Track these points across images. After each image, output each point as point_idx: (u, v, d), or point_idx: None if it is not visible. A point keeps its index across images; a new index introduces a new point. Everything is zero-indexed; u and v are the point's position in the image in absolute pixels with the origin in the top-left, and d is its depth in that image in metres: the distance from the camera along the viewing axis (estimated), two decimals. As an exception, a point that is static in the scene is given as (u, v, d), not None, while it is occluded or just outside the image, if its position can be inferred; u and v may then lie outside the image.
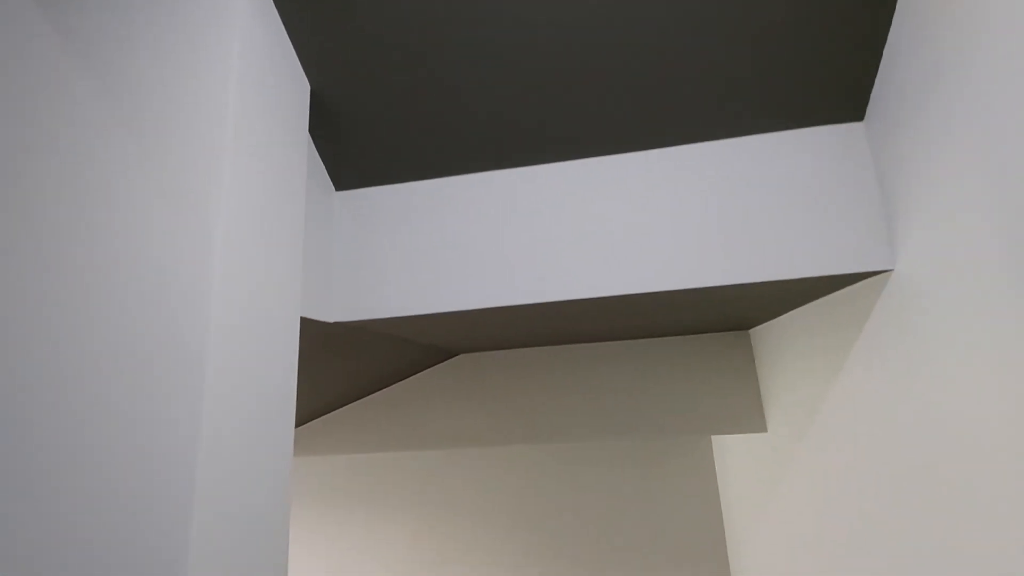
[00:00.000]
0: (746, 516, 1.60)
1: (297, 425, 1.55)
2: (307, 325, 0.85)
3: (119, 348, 0.55)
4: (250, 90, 0.65)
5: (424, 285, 0.86)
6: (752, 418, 1.36)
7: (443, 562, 1.99)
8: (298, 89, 0.77)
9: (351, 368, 1.37)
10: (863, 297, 0.83)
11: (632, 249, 0.79)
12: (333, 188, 0.95)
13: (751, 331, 1.42)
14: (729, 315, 1.22)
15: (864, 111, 0.76)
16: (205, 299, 0.54)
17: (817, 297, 0.97)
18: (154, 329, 0.55)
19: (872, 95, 0.74)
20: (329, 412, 1.57)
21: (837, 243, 0.74)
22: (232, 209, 0.59)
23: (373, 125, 0.87)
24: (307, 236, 0.83)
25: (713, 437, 1.89)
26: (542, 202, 0.84)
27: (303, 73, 0.79)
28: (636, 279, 0.78)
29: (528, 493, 1.99)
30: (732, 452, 1.69)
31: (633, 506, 1.91)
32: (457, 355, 1.55)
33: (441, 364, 1.55)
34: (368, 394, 1.55)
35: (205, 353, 0.53)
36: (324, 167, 0.94)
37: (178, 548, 0.48)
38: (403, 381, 1.55)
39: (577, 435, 1.46)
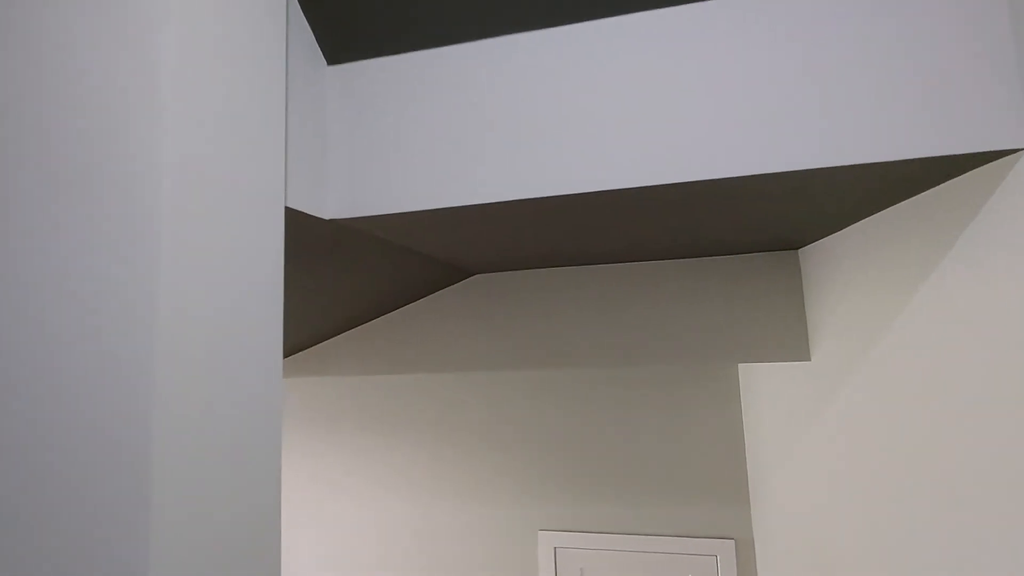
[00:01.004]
0: (772, 452, 1.53)
1: (301, 348, 1.49)
2: (300, 223, 0.73)
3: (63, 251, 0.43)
4: None
5: (436, 174, 0.72)
6: (795, 345, 1.24)
7: (455, 489, 2.00)
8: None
9: (359, 284, 1.27)
10: (966, 193, 0.67)
11: (689, 124, 0.64)
12: (324, 62, 0.79)
13: (800, 251, 1.27)
14: (780, 228, 1.07)
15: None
16: (154, 140, 0.42)
17: (906, 197, 0.82)
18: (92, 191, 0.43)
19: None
20: (338, 334, 1.50)
21: (956, 116, 0.57)
22: (186, 55, 0.45)
23: (369, -26, 0.70)
24: (295, 117, 0.69)
25: (740, 367, 1.79)
26: (581, 70, 0.68)
27: None
28: (692, 162, 0.64)
29: (542, 420, 1.95)
30: (762, 383, 1.60)
31: (653, 435, 1.87)
32: (474, 275, 1.44)
33: (457, 284, 1.44)
34: (382, 314, 1.47)
35: (157, 219, 0.41)
36: (313, 38, 0.78)
37: (136, 475, 0.39)
38: (418, 301, 1.46)
39: (599, 361, 1.37)
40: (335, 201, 0.74)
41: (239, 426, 0.48)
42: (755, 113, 0.62)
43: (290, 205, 0.66)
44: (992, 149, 0.57)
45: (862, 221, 1.00)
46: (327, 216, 0.74)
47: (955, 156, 0.57)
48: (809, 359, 1.23)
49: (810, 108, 0.61)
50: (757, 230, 1.06)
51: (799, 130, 0.61)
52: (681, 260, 1.33)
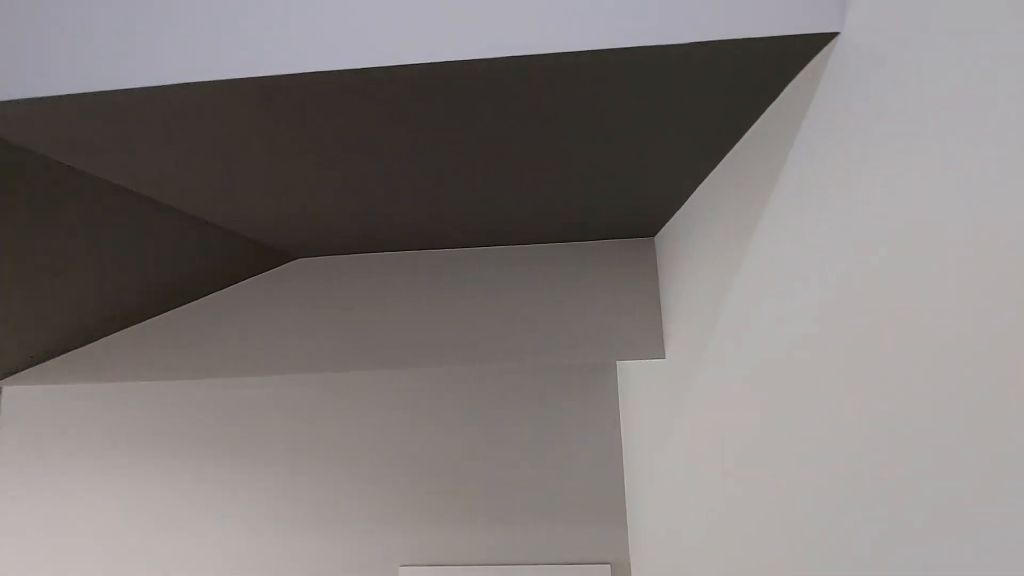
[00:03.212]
0: (643, 462, 1.40)
1: (65, 348, 1.16)
2: None
3: None
4: None
5: (103, 44, 0.49)
6: (650, 342, 1.12)
7: (297, 517, 1.70)
8: None
9: (127, 263, 0.99)
10: (783, 119, 0.56)
11: None
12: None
13: (656, 237, 1.16)
14: (616, 194, 0.95)
15: None
16: None
17: (726, 144, 0.70)
18: None
19: None
20: (123, 327, 1.18)
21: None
22: None
23: None
24: None
25: (619, 367, 1.67)
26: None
27: None
28: (494, 38, 0.46)
29: (393, 431, 1.71)
30: (635, 385, 1.48)
31: (522, 448, 1.68)
32: (294, 258, 1.20)
33: (273, 270, 1.19)
34: (173, 306, 1.18)
35: None
36: None
37: None
38: (226, 290, 1.18)
39: (443, 359, 1.17)
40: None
41: None
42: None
43: None
44: (805, 32, 0.44)
45: (700, 186, 0.89)
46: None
47: (758, 41, 0.44)
48: (663, 356, 1.11)
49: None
50: (585, 195, 0.92)
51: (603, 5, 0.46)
52: (532, 246, 1.18)
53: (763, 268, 0.67)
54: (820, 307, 0.55)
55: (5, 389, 1.77)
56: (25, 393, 1.77)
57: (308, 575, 1.67)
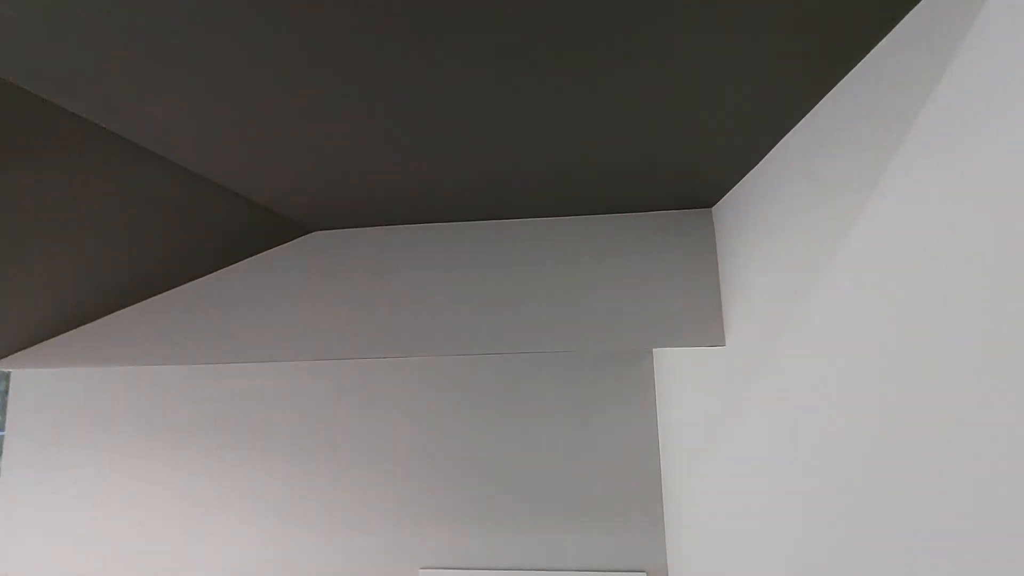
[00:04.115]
0: (687, 464, 1.27)
1: (64, 327, 1.07)
2: None
3: None
4: None
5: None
6: (707, 327, 0.99)
7: (314, 516, 1.60)
8: None
9: (133, 231, 0.90)
10: (911, 46, 0.43)
11: None
12: None
13: (714, 209, 1.03)
14: (676, 147, 0.82)
15: None
16: None
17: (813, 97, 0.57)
18: None
19: None
20: (123, 307, 1.09)
21: None
22: None
23: None
24: None
25: (656, 356, 1.54)
26: None
27: None
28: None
29: (418, 426, 1.60)
30: (676, 377, 1.35)
31: (552, 446, 1.57)
32: (310, 231, 1.09)
33: (287, 244, 1.09)
34: (181, 282, 1.09)
35: None
36: None
37: None
38: (233, 266, 1.09)
39: (473, 346, 1.06)
40: None
41: None
42: None
43: None
44: None
45: (776, 147, 0.76)
46: None
47: None
48: (723, 343, 0.98)
49: None
50: (635, 154, 0.79)
51: None
52: (571, 218, 1.06)
53: (868, 245, 0.54)
54: (942, 294, 0.42)
55: (13, 375, 1.71)
56: (34, 378, 1.71)
57: (327, 574, 1.58)
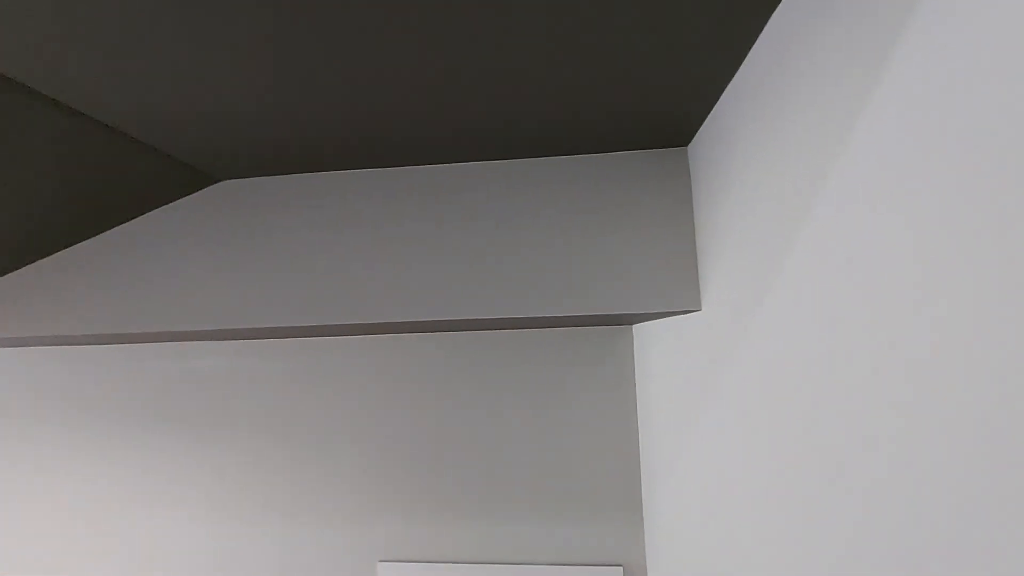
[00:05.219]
0: (665, 447, 1.13)
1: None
2: None
3: None
4: None
5: None
6: (683, 288, 0.83)
7: (263, 505, 1.47)
8: None
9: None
10: None
11: None
12: None
13: (689, 147, 0.87)
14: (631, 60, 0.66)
15: None
16: None
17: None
18: None
19: None
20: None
21: None
22: None
23: None
24: None
25: (635, 331, 1.39)
26: None
27: None
28: None
29: (370, 402, 1.46)
30: (656, 352, 1.20)
31: (521, 428, 1.42)
32: (217, 180, 0.93)
33: (189, 197, 0.93)
34: (62, 244, 0.93)
35: None
36: None
37: None
38: (123, 226, 0.93)
39: (413, 310, 0.91)
40: None
41: None
42: None
43: None
44: None
45: (740, 71, 0.60)
46: None
47: None
48: (699, 307, 0.82)
49: None
50: (593, 73, 0.63)
51: None
52: (524, 161, 0.89)
53: (854, 175, 0.39)
54: (950, 225, 0.27)
55: (-64, 354, 1.57)
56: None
57: (276, 569, 1.45)
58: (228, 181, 0.92)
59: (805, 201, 0.51)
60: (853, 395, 0.42)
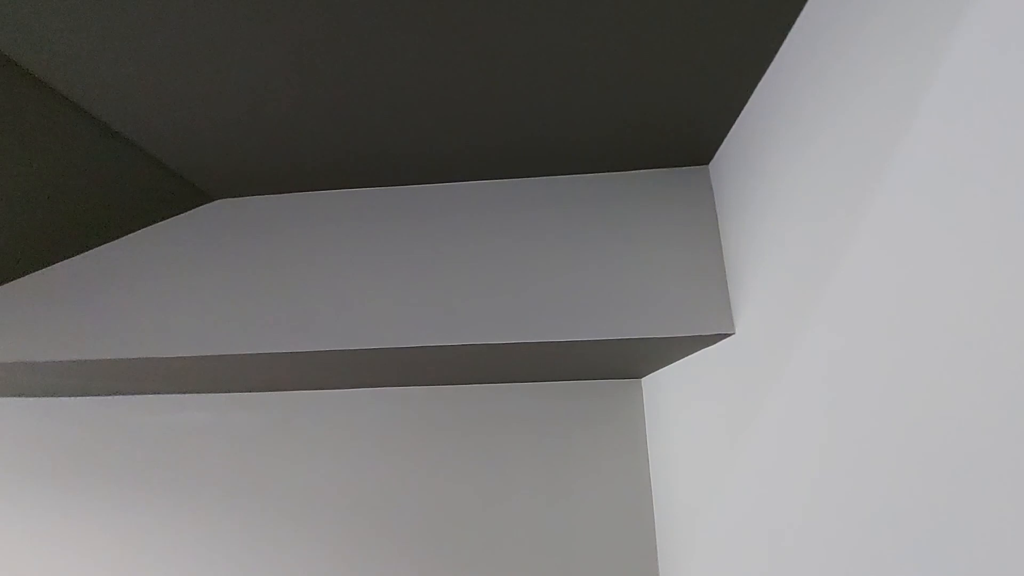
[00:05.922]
0: (688, 495, 1.01)
1: None
2: None
3: None
4: None
5: None
6: (713, 309, 0.77)
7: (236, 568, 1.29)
8: None
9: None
10: None
11: None
12: None
13: (711, 164, 0.83)
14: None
15: None
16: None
17: None
18: None
19: None
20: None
21: None
22: None
23: None
24: None
25: (644, 386, 1.29)
26: None
27: None
28: None
29: (346, 469, 1.32)
30: (669, 401, 1.10)
31: (525, 494, 1.29)
32: (215, 198, 0.89)
33: (184, 214, 0.88)
34: (48, 261, 0.86)
35: None
36: None
37: None
38: (112, 243, 0.87)
39: (413, 336, 0.83)
40: None
41: None
42: None
43: None
44: None
45: (759, 85, 0.58)
46: None
47: None
48: (733, 330, 0.75)
49: None
50: (615, 95, 0.61)
51: None
52: (540, 179, 0.86)
53: (899, 193, 0.35)
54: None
55: None
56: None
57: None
58: (224, 200, 0.88)
59: (845, 219, 0.47)
60: (940, 432, 0.35)
